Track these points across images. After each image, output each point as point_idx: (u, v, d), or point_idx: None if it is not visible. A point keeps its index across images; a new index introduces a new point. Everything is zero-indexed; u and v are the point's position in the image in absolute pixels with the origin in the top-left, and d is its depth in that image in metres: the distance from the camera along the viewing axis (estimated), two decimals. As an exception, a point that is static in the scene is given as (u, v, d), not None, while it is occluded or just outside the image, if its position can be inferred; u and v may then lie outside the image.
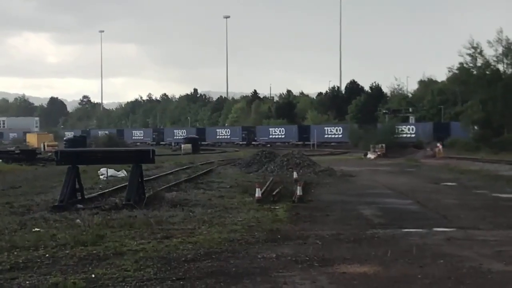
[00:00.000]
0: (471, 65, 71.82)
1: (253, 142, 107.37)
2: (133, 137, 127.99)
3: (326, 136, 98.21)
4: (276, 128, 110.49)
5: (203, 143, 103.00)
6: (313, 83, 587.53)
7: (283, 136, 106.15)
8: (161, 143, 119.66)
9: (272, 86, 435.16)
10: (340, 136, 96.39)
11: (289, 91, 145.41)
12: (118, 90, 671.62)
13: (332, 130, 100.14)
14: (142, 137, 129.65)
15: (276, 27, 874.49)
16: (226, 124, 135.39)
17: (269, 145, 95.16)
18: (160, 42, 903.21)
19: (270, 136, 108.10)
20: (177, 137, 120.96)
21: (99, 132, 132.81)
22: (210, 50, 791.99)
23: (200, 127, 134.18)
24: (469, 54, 70.92)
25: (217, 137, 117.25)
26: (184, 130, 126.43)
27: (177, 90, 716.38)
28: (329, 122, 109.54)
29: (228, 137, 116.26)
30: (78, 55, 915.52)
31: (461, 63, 72.59)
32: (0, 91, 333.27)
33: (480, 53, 70.97)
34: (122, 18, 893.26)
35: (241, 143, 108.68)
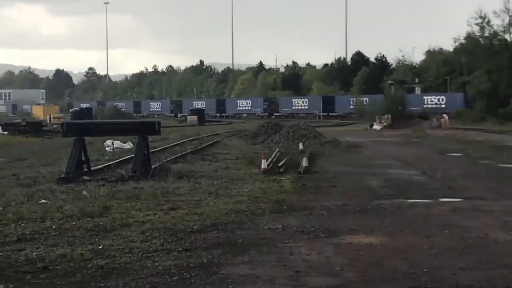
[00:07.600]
0: (478, 35, 71.48)
1: (223, 114, 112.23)
2: None
3: (293, 107, 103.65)
4: (244, 100, 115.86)
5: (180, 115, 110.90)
6: (320, 55, 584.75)
7: (249, 108, 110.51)
8: (139, 114, 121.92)
9: (278, 58, 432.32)
10: (307, 107, 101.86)
11: (294, 63, 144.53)
12: (118, 62, 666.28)
13: (299, 102, 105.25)
14: (124, 109, 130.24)
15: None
16: (232, 96, 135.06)
17: (238, 116, 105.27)
18: (159, 12, 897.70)
19: (238, 108, 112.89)
20: (153, 109, 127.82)
21: (81, 105, 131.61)
22: (213, 21, 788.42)
23: (176, 99, 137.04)
24: (477, 24, 70.58)
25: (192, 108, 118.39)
26: (160, 103, 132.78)
27: (180, 61, 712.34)
28: (335, 92, 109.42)
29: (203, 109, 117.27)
30: (74, 26, 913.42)
31: (468, 33, 72.32)
32: (5, 63, 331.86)
33: (488, 23, 70.58)
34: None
35: (214, 114, 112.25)
